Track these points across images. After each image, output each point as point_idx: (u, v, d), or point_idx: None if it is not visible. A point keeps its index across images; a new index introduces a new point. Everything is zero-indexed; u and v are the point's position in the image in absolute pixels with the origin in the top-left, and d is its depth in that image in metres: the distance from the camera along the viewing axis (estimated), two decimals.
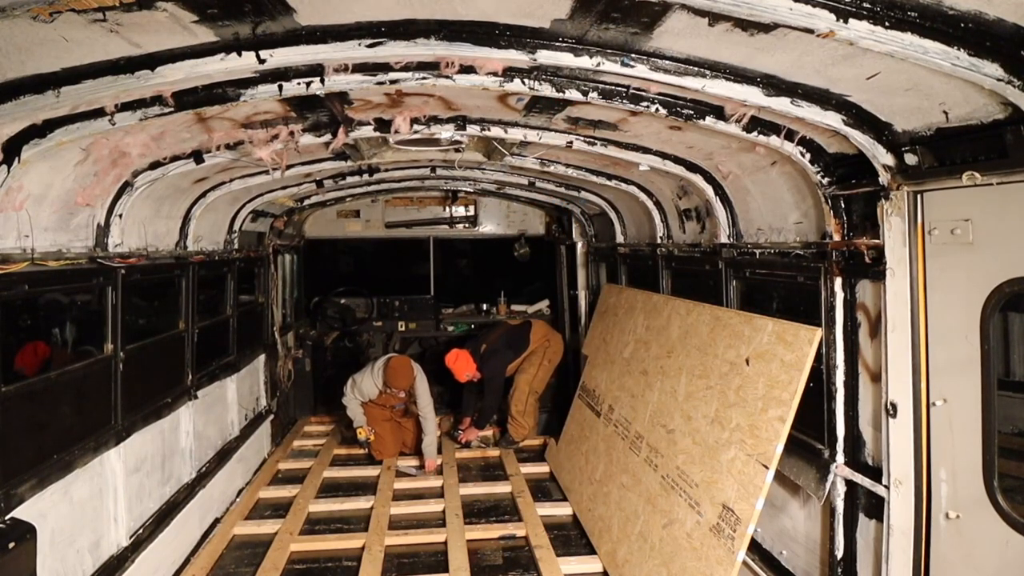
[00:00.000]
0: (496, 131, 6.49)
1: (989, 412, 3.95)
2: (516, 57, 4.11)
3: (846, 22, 3.13)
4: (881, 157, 4.41)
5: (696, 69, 4.16)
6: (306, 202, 11.19)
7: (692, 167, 6.63)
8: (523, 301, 14.28)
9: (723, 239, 6.81)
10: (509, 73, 4.56)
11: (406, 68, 4.45)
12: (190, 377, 7.99)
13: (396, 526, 8.34)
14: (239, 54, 3.91)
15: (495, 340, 11.42)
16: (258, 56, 3.92)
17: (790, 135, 4.98)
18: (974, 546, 4.08)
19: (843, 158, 4.94)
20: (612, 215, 9.98)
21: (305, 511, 8.76)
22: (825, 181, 5.08)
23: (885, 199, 4.53)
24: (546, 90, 4.74)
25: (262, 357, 11.07)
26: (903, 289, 4.49)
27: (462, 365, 11.09)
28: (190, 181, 7.09)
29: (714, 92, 4.30)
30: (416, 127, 6.24)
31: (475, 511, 8.84)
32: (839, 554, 5.20)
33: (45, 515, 5.11)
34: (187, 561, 7.44)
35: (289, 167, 7.12)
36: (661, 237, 8.49)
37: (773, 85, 4.25)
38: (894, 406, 4.58)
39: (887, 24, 3.13)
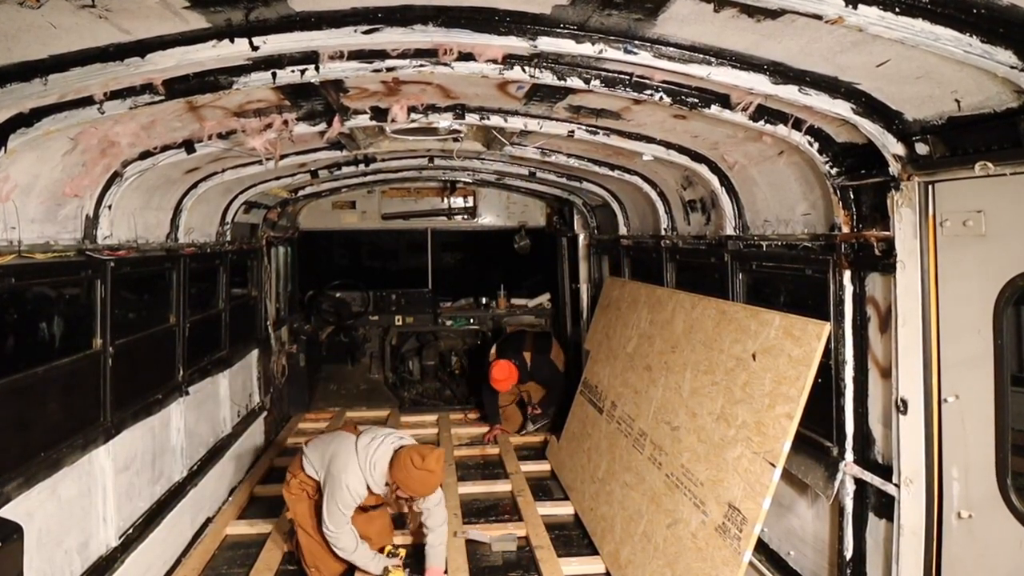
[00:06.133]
0: (496, 120, 6.42)
1: (1002, 409, 3.88)
2: (516, 44, 4.04)
3: (855, 8, 3.06)
4: (891, 147, 4.34)
5: (701, 56, 4.09)
6: (300, 193, 11.10)
7: (697, 157, 6.56)
8: (523, 295, 14.22)
9: (729, 231, 6.74)
10: (509, 60, 4.50)
11: (403, 55, 4.38)
12: (181, 373, 7.90)
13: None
14: (231, 41, 3.84)
15: (531, 347, 11.57)
16: (251, 43, 3.85)
17: (798, 124, 4.89)
18: (987, 546, 4.01)
19: (852, 148, 4.86)
20: (615, 206, 9.90)
21: None
22: (834, 171, 5.01)
23: (895, 190, 4.46)
24: (547, 78, 4.68)
25: (255, 352, 10.97)
26: (914, 282, 4.41)
27: (510, 376, 11.11)
28: (181, 171, 7.00)
29: (720, 80, 4.23)
30: (413, 116, 6.18)
31: (474, 510, 8.76)
32: (848, 555, 5.14)
33: (32, 514, 5.02)
34: (178, 562, 7.36)
35: (283, 157, 7.01)
36: (665, 229, 8.42)
37: (780, 73, 4.17)
38: (904, 402, 4.50)
39: (898, 10, 3.07)
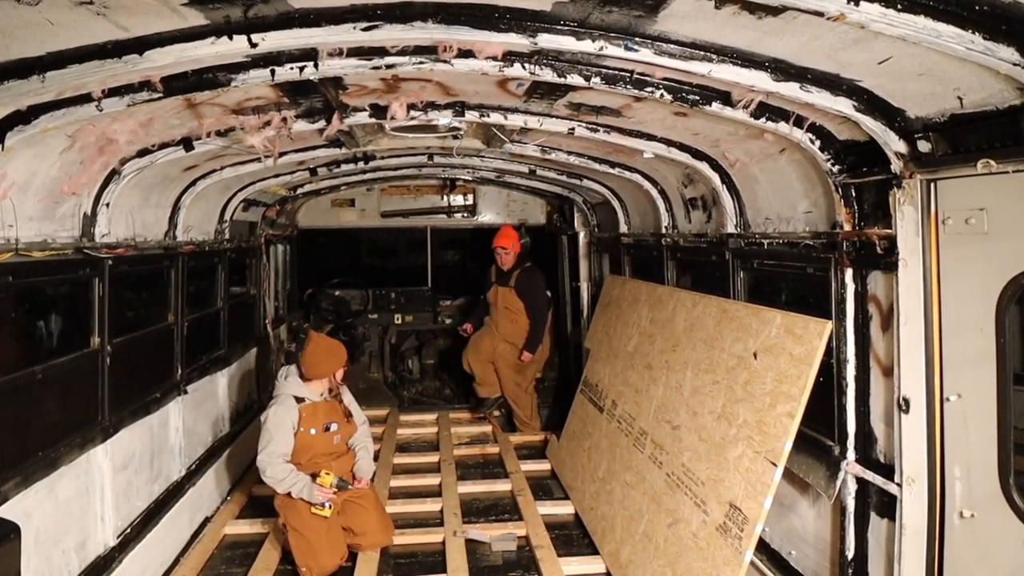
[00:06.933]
0: (496, 117, 6.39)
1: (1004, 407, 3.86)
2: (516, 41, 4.02)
3: (857, 5, 3.04)
4: (893, 144, 4.31)
5: (702, 53, 4.07)
6: (299, 191, 11.07)
7: (698, 154, 6.53)
8: None
9: (730, 229, 6.71)
10: (509, 57, 4.47)
11: (403, 52, 4.35)
12: (180, 371, 7.86)
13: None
14: (230, 38, 3.82)
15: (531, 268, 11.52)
16: (249, 40, 3.83)
17: (799, 121, 4.86)
18: (989, 545, 3.99)
19: (854, 145, 4.83)
20: (615, 204, 9.86)
21: None
22: (835, 169, 4.98)
23: (897, 188, 4.43)
24: (547, 75, 4.65)
25: (254, 351, 10.94)
26: (916, 280, 4.39)
27: (508, 237, 11.32)
28: (179, 169, 6.96)
29: (721, 77, 4.20)
30: (413, 113, 6.14)
31: (474, 510, 8.70)
32: (850, 554, 5.11)
33: (30, 514, 4.99)
34: (176, 561, 7.31)
35: (282, 154, 7.00)
36: (666, 227, 8.38)
37: (782, 70, 4.14)
38: (907, 401, 4.48)
39: (899, 7, 3.04)
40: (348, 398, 7.69)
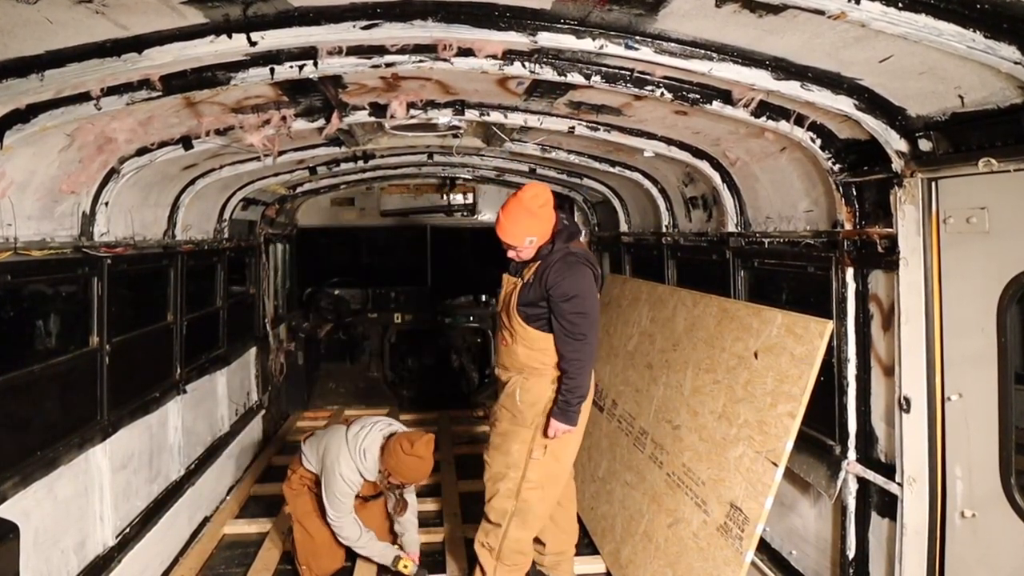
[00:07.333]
0: (496, 116, 6.37)
1: (1006, 407, 3.85)
2: (516, 39, 4.01)
3: (858, 3, 3.03)
4: (894, 143, 4.30)
5: (703, 52, 4.05)
6: (299, 190, 11.03)
7: (699, 153, 6.51)
8: None
9: (731, 228, 6.69)
10: (509, 56, 4.46)
11: (402, 51, 4.34)
12: (179, 371, 7.84)
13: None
14: (229, 36, 3.81)
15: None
16: (249, 38, 3.82)
17: (800, 120, 4.85)
18: (990, 545, 3.98)
19: (855, 144, 4.81)
20: (615, 203, 9.84)
21: None
22: (836, 168, 4.97)
23: (898, 186, 4.41)
24: (547, 74, 4.63)
25: (253, 350, 10.92)
26: (917, 280, 4.38)
27: (536, 216, 5.89)
28: (178, 168, 6.94)
29: (721, 76, 4.19)
30: (413, 112, 6.12)
31: (474, 510, 8.63)
32: (851, 554, 5.10)
33: (28, 514, 4.98)
34: (175, 561, 7.30)
35: (281, 153, 7.00)
36: (666, 226, 8.36)
37: (782, 68, 4.13)
38: (908, 401, 4.47)
39: (900, 5, 3.04)
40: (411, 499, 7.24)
